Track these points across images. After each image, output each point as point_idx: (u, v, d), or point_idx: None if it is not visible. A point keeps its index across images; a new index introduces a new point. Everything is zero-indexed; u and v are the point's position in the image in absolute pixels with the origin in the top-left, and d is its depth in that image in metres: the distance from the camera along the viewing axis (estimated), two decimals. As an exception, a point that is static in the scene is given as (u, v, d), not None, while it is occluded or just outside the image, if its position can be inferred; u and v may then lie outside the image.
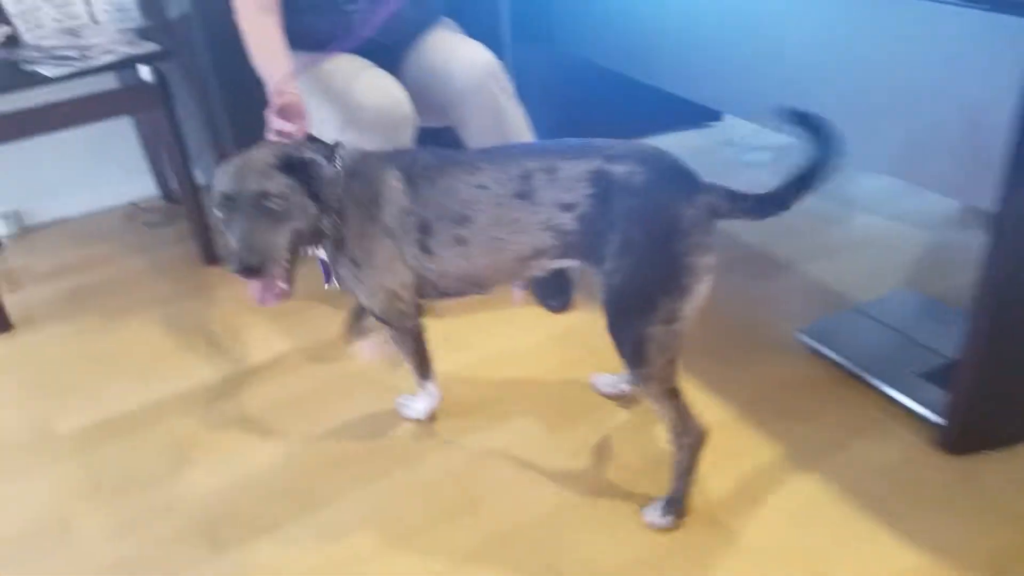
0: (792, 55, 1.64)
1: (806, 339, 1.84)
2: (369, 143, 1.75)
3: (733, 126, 3.14)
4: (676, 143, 3.02)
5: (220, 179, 1.34)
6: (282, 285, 1.38)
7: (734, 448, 1.61)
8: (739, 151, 2.95)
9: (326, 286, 1.65)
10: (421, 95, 1.87)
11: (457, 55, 1.89)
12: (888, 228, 2.40)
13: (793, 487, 1.52)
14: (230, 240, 1.34)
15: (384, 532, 1.48)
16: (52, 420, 1.84)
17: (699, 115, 3.13)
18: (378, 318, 1.57)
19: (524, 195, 1.35)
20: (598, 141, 1.36)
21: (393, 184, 1.43)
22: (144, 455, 1.73)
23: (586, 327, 2.01)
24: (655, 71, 2.08)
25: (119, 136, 2.74)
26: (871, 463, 1.56)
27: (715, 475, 1.54)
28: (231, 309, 2.22)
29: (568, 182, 1.33)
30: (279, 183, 1.32)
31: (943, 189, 1.44)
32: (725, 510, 1.47)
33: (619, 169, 1.29)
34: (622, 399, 1.77)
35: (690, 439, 1.38)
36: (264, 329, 2.11)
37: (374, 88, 1.79)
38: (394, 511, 1.53)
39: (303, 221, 1.37)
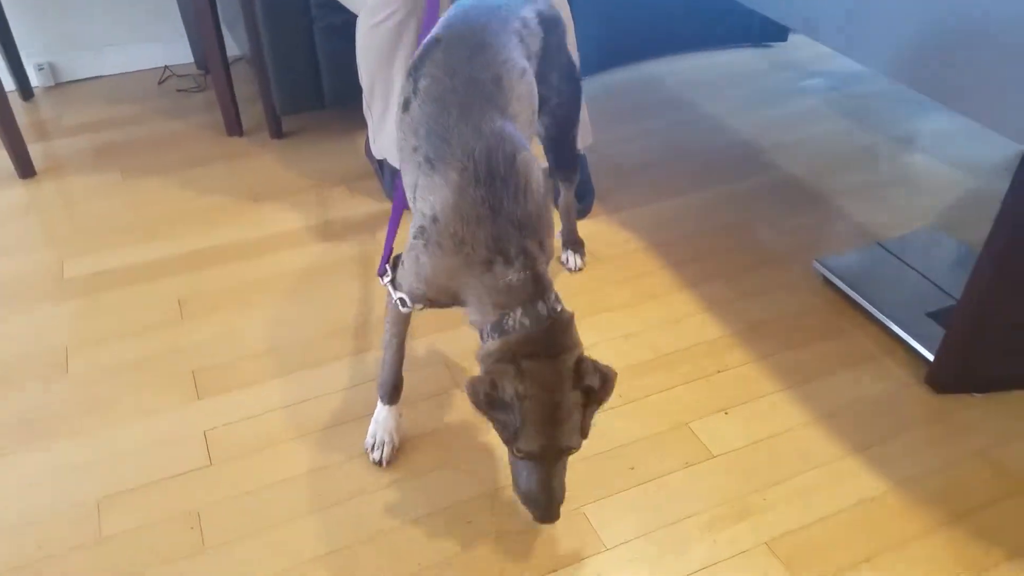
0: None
1: (821, 269, 1.80)
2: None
3: (796, 48, 3.01)
4: (733, 60, 2.96)
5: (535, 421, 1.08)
6: None
7: (723, 362, 1.62)
8: (797, 76, 2.83)
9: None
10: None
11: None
12: (938, 170, 2.29)
13: (771, 404, 1.52)
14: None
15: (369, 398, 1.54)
16: (62, 263, 1.92)
17: (761, 34, 3.00)
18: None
19: (529, 58, 1.30)
20: None
21: None
22: (143, 305, 1.79)
23: (599, 236, 2.00)
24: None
25: (158, -4, 2.77)
26: (856, 392, 1.56)
27: (697, 387, 1.56)
28: (249, 180, 2.25)
29: (534, 29, 1.33)
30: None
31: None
32: (697, 418, 1.49)
33: (542, 5, 1.37)
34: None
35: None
36: (278, 204, 2.14)
37: None
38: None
39: None
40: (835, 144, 2.44)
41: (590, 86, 2.71)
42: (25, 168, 2.25)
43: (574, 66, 1.51)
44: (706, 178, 2.24)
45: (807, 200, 2.16)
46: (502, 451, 1.45)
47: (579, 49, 1.95)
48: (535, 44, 1.33)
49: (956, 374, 1.50)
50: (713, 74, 2.85)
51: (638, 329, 1.71)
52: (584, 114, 2.04)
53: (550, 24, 1.38)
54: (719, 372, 1.60)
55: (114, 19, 2.77)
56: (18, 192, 2.21)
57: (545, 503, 1.12)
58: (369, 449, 1.41)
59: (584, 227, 2.02)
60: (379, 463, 1.39)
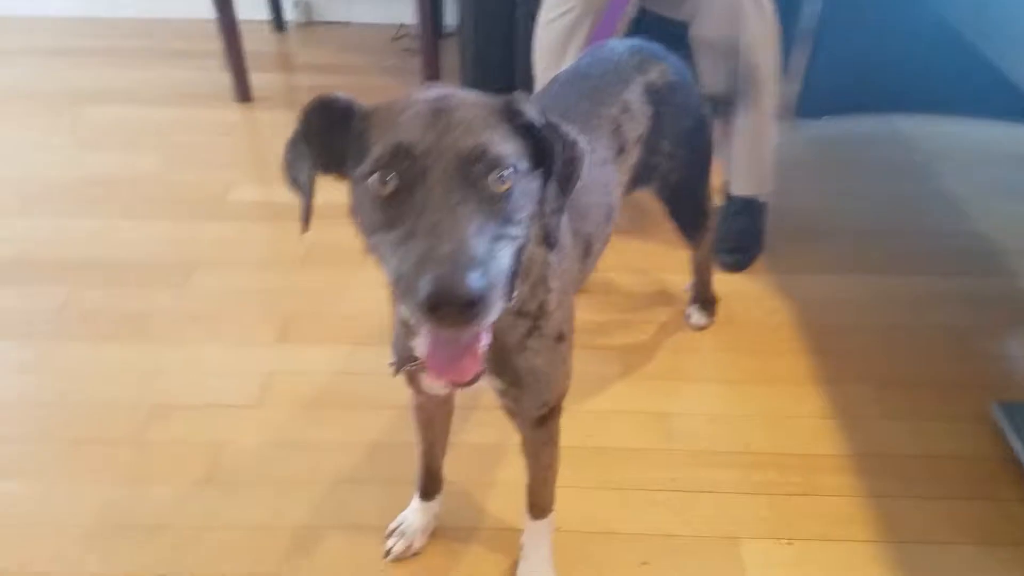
0: None
1: (999, 415, 1.45)
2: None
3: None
4: (1015, 137, 2.48)
5: (392, 120, 0.73)
6: (483, 345, 0.74)
7: (817, 484, 1.37)
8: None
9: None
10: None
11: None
12: None
13: (853, 552, 1.26)
14: (395, 250, 0.70)
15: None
16: (229, 186, 2.13)
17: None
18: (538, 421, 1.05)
19: (622, 149, 1.21)
20: (603, 52, 1.29)
21: None
22: (274, 241, 1.95)
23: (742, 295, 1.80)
24: (994, 37, 1.66)
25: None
26: (974, 579, 1.24)
27: (770, 502, 1.34)
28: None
29: (638, 111, 1.24)
30: (512, 146, 0.74)
31: None
32: (751, 537, 1.27)
33: (655, 76, 1.27)
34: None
35: (712, 249, 1.67)
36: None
37: None
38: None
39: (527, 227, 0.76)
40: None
41: (819, 130, 2.45)
42: (243, 93, 2.52)
43: (696, 129, 1.36)
44: (910, 265, 1.91)
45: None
46: None
47: (817, 84, 1.74)
48: (638, 127, 1.24)
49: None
50: (979, 148, 2.42)
51: (734, 413, 1.51)
52: (767, 157, 1.84)
53: (663, 96, 1.27)
54: (806, 494, 1.36)
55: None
56: (229, 113, 2.48)
57: (433, 253, 0.64)
58: (388, 533, 1.26)
59: (735, 281, 1.83)
60: (386, 553, 1.24)
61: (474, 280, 0.62)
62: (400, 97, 0.75)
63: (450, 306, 0.62)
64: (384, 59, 2.84)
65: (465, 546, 1.26)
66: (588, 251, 1.11)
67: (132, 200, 2.07)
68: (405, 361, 0.99)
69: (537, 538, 1.20)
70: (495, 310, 0.66)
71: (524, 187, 0.74)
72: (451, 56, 2.55)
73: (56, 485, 1.34)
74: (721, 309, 1.73)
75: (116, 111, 2.48)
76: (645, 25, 1.84)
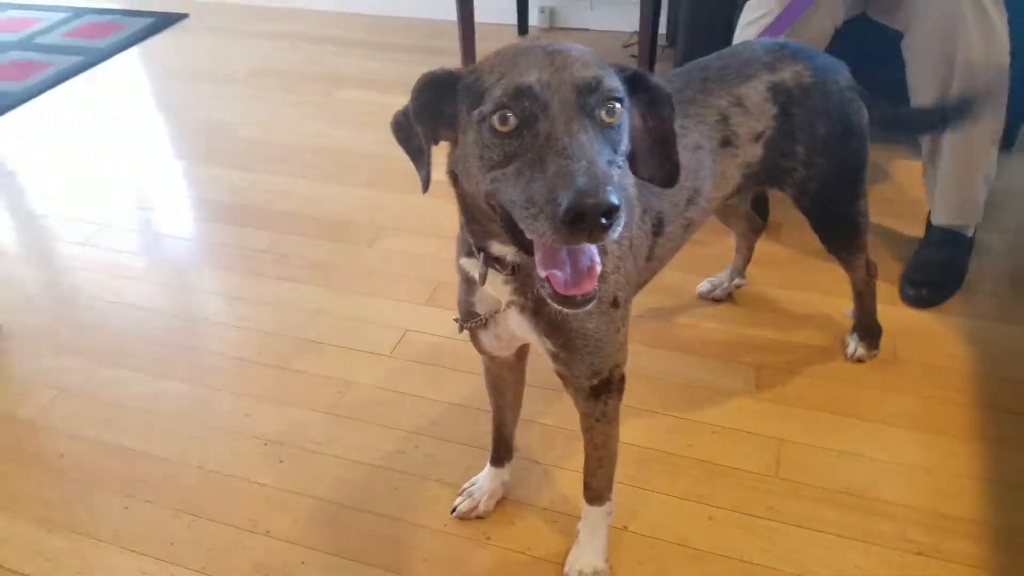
0: None
1: None
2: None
3: None
4: None
5: (507, 64, 0.79)
6: (599, 265, 0.80)
7: (939, 546, 1.20)
8: None
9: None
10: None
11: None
12: None
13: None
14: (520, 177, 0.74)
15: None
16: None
17: None
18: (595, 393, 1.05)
19: (728, 141, 1.18)
20: (739, 48, 1.26)
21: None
22: (448, 215, 2.04)
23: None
24: None
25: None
26: None
27: (871, 552, 1.19)
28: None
29: (756, 108, 1.19)
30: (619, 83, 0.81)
31: None
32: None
33: (787, 76, 1.21)
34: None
35: (873, 273, 1.51)
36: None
37: None
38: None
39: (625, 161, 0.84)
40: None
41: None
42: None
43: (842, 137, 1.26)
44: None
45: None
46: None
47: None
48: (755, 124, 1.19)
49: None
50: None
51: (864, 453, 1.36)
52: (978, 186, 1.65)
53: (794, 97, 1.20)
54: (923, 554, 1.19)
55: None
56: (453, 103, 2.67)
57: (574, 169, 0.69)
58: (460, 492, 1.32)
59: (920, 319, 1.65)
60: (452, 510, 1.30)
61: (611, 192, 0.68)
62: (505, 47, 0.82)
63: (590, 215, 0.67)
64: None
65: (526, 520, 1.28)
66: (659, 229, 1.09)
67: (348, 168, 2.34)
68: (468, 317, 1.05)
69: (592, 526, 1.18)
70: (621, 226, 0.71)
71: (626, 123, 0.81)
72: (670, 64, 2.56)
73: (209, 392, 1.57)
74: (888, 344, 1.57)
75: (358, 94, 2.81)
76: (857, 31, 1.73)
